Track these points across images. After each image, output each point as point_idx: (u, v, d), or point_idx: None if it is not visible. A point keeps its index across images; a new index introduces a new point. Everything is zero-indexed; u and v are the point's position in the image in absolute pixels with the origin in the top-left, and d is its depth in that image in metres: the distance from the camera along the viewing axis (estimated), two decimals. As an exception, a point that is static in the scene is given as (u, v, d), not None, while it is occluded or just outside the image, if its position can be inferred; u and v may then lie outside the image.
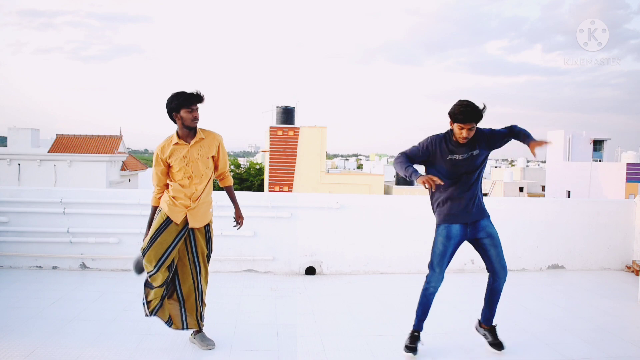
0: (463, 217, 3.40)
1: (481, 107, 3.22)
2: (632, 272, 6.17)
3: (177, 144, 3.37)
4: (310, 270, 5.77)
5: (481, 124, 3.31)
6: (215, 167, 3.56)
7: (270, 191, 27.44)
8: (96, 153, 33.31)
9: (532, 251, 6.17)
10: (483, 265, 6.17)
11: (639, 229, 6.34)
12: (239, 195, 6.02)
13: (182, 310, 3.51)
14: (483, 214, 3.49)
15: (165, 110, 3.34)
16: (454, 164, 3.33)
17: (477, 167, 3.37)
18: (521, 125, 3.45)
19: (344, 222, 5.81)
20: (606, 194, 29.12)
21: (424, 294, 3.49)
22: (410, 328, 3.55)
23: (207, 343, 3.53)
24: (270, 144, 28.65)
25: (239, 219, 3.72)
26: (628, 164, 29.64)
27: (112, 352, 3.38)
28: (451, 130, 3.35)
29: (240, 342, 3.67)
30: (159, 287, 3.38)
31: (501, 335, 3.93)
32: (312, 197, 5.99)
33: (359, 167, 76.25)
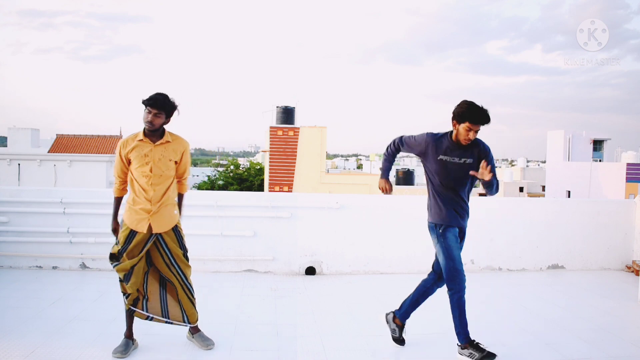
0: (457, 222, 3.42)
1: (486, 110, 3.20)
2: (632, 272, 6.17)
3: (141, 140, 3.37)
4: (310, 270, 5.77)
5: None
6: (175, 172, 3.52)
7: (270, 191, 27.43)
8: (96, 153, 33.32)
9: (532, 251, 6.17)
10: (483, 265, 6.18)
11: (639, 229, 6.34)
12: (239, 195, 6.04)
13: (164, 305, 3.51)
14: (467, 217, 3.51)
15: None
16: (444, 165, 3.32)
17: (467, 176, 3.33)
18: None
19: (344, 222, 5.81)
20: (606, 194, 29.11)
21: (460, 302, 3.29)
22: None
23: (207, 343, 3.53)
24: (270, 144, 28.64)
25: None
26: (628, 164, 29.63)
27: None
28: (451, 132, 3.32)
29: (240, 342, 3.67)
30: (133, 282, 3.40)
31: (501, 335, 3.93)
32: (312, 197, 5.99)
33: (359, 167, 76.26)
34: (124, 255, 3.36)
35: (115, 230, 3.52)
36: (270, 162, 28.67)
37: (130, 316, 3.46)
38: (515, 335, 3.95)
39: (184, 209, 3.66)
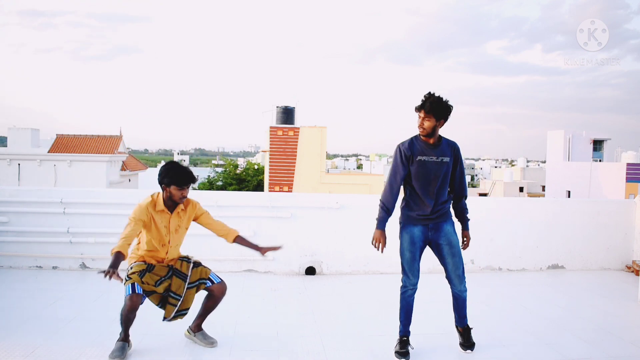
0: (425, 221, 3.44)
1: (443, 99, 3.28)
2: (632, 272, 6.17)
3: (162, 210, 3.39)
4: (310, 270, 5.77)
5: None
6: (213, 229, 3.59)
7: (270, 191, 27.42)
8: (96, 153, 33.29)
9: (532, 251, 6.17)
10: (483, 265, 6.18)
11: (639, 229, 6.34)
12: (239, 195, 6.04)
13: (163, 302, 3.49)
14: (447, 218, 3.50)
15: (158, 177, 3.37)
16: (423, 165, 3.34)
17: (444, 174, 3.39)
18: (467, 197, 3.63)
19: (344, 222, 5.81)
20: (606, 194, 29.09)
21: (403, 297, 3.52)
22: (397, 335, 3.54)
23: (211, 340, 3.54)
24: (270, 144, 28.63)
25: (264, 252, 3.72)
26: (628, 164, 29.61)
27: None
28: (417, 135, 3.41)
29: (240, 342, 3.67)
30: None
31: (501, 335, 3.93)
32: (312, 197, 5.99)
33: (359, 167, 76.28)
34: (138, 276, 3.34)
35: (108, 274, 3.01)
36: (270, 162, 28.66)
37: (127, 323, 3.38)
38: (515, 336, 3.94)
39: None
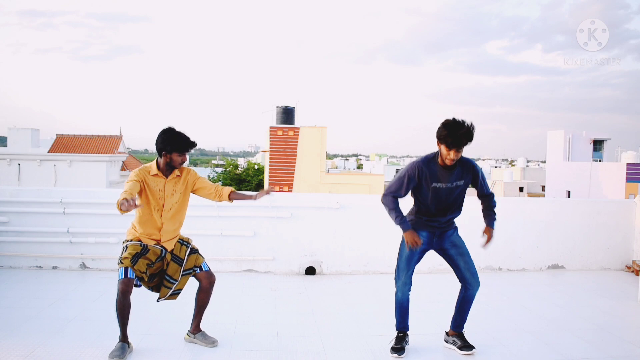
0: (432, 228, 3.43)
1: (470, 126, 3.10)
2: (632, 272, 6.17)
3: (155, 175, 3.39)
4: (310, 270, 5.77)
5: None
6: (207, 193, 3.55)
7: (270, 191, 27.35)
8: (96, 153, 33.30)
9: (532, 251, 6.17)
10: (483, 265, 6.17)
11: (639, 229, 6.33)
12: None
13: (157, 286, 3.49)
14: (451, 226, 3.50)
15: (156, 144, 3.36)
16: (437, 192, 3.30)
17: (459, 194, 3.37)
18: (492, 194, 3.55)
19: (344, 222, 5.81)
20: (606, 194, 29.10)
21: (395, 299, 3.52)
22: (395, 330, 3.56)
23: (211, 340, 3.55)
24: (270, 144, 28.63)
25: (262, 193, 3.60)
26: (628, 164, 29.61)
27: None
28: (438, 153, 3.28)
29: (240, 342, 3.67)
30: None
31: (501, 335, 3.93)
32: (312, 197, 5.99)
33: (359, 167, 76.27)
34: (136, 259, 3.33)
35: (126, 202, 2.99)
36: (270, 162, 28.67)
37: (123, 318, 3.36)
38: (515, 335, 3.94)
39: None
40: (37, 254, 5.54)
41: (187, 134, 3.40)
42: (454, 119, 3.14)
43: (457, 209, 3.44)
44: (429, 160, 3.30)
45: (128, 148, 40.91)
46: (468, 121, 3.12)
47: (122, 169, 35.84)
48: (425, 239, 3.43)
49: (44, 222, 5.54)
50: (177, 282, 3.46)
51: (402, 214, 3.36)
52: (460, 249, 3.46)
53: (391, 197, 3.37)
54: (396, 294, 3.51)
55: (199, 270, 3.53)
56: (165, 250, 3.44)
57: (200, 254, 3.60)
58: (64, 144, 34.51)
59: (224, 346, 3.56)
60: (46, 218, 5.54)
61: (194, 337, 3.59)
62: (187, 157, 3.43)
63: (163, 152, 3.35)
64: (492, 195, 3.54)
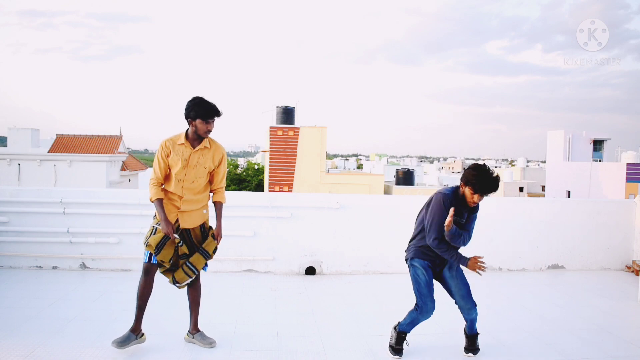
0: (435, 258, 3.45)
1: (497, 177, 3.21)
2: (632, 272, 6.17)
3: (182, 144, 3.39)
4: (310, 270, 5.77)
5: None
6: (211, 180, 3.54)
7: (270, 191, 27.43)
8: (96, 153, 33.30)
9: (532, 251, 6.17)
10: (486, 264, 6.18)
11: (639, 229, 6.34)
12: (239, 195, 6.03)
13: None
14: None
15: (183, 111, 3.37)
16: (455, 223, 3.35)
17: (463, 229, 3.40)
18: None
19: (344, 222, 5.81)
20: (606, 194, 29.11)
21: (414, 320, 3.46)
22: (398, 329, 3.53)
23: (209, 341, 3.55)
24: (270, 144, 28.65)
25: (217, 236, 3.54)
26: (628, 164, 29.63)
27: (112, 352, 3.38)
28: (458, 190, 3.35)
29: (240, 342, 3.67)
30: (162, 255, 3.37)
31: (501, 335, 3.93)
32: (312, 197, 5.99)
33: (359, 167, 76.25)
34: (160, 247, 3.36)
35: (168, 233, 3.32)
36: (270, 162, 28.68)
37: (140, 300, 3.43)
38: (515, 335, 3.95)
39: (223, 221, 3.62)
40: (37, 254, 5.54)
41: (214, 103, 3.37)
42: (484, 164, 3.25)
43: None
44: (454, 194, 3.35)
45: (128, 148, 40.90)
46: (495, 171, 3.23)
47: (122, 169, 35.82)
48: (430, 265, 3.45)
49: (44, 222, 5.54)
50: (197, 272, 3.46)
51: (457, 251, 3.36)
52: (453, 272, 3.47)
53: (440, 242, 3.33)
54: (417, 318, 3.43)
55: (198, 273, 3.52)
56: (185, 234, 3.42)
57: (216, 245, 3.54)
58: (64, 144, 34.51)
59: (224, 346, 3.56)
60: (46, 218, 5.54)
61: (193, 338, 3.59)
62: (213, 126, 3.37)
63: (188, 120, 3.35)
64: (467, 236, 3.46)
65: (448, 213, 3.25)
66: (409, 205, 6.02)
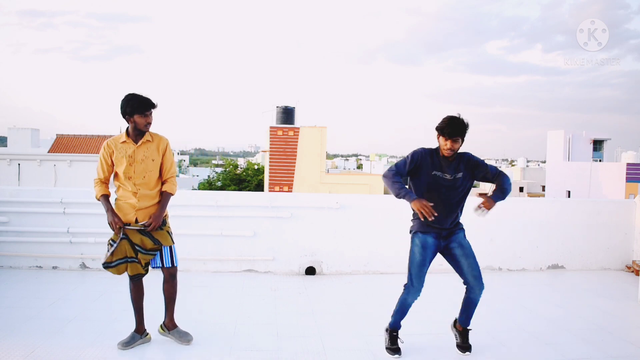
0: (439, 230, 3.41)
1: (466, 122, 3.26)
2: (632, 272, 6.17)
3: (124, 142, 3.41)
4: (310, 270, 5.77)
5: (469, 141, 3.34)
6: (160, 171, 3.52)
7: (270, 191, 27.42)
8: (96, 153, 33.27)
9: (532, 251, 6.17)
10: (483, 265, 6.16)
11: (639, 229, 6.33)
12: (239, 195, 6.04)
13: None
14: (458, 226, 3.49)
15: (120, 111, 3.38)
16: (436, 180, 3.33)
17: (459, 189, 3.37)
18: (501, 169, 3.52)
19: (344, 222, 5.81)
20: (606, 194, 29.09)
21: (403, 303, 3.48)
22: (389, 328, 3.55)
23: (187, 338, 3.54)
24: (270, 144, 28.63)
25: (153, 220, 3.42)
26: (628, 164, 29.62)
27: (112, 352, 3.38)
28: (438, 147, 3.37)
29: (240, 342, 3.67)
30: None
31: (501, 335, 3.93)
32: (312, 197, 5.99)
33: (359, 167, 76.26)
34: (115, 254, 3.38)
35: (113, 222, 3.39)
36: (270, 162, 28.67)
37: (134, 304, 3.45)
38: (515, 335, 3.94)
39: (169, 210, 3.60)
40: (37, 254, 5.54)
41: (146, 96, 3.38)
42: (449, 115, 3.31)
43: (460, 206, 3.44)
44: (431, 150, 3.39)
45: (128, 148, 40.82)
46: (466, 118, 3.28)
47: (122, 169, 35.77)
48: (433, 242, 3.41)
49: (44, 222, 5.54)
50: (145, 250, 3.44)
51: (404, 185, 3.34)
52: (466, 250, 3.43)
53: (393, 173, 3.35)
54: (405, 299, 3.45)
55: (160, 264, 3.49)
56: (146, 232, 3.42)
57: (170, 236, 3.51)
58: (64, 144, 34.52)
59: (224, 346, 3.56)
60: (46, 218, 5.54)
61: (169, 333, 3.58)
62: (151, 118, 3.38)
63: (126, 117, 3.37)
64: (502, 174, 3.44)
65: (413, 166, 3.31)
66: (409, 205, 6.03)
